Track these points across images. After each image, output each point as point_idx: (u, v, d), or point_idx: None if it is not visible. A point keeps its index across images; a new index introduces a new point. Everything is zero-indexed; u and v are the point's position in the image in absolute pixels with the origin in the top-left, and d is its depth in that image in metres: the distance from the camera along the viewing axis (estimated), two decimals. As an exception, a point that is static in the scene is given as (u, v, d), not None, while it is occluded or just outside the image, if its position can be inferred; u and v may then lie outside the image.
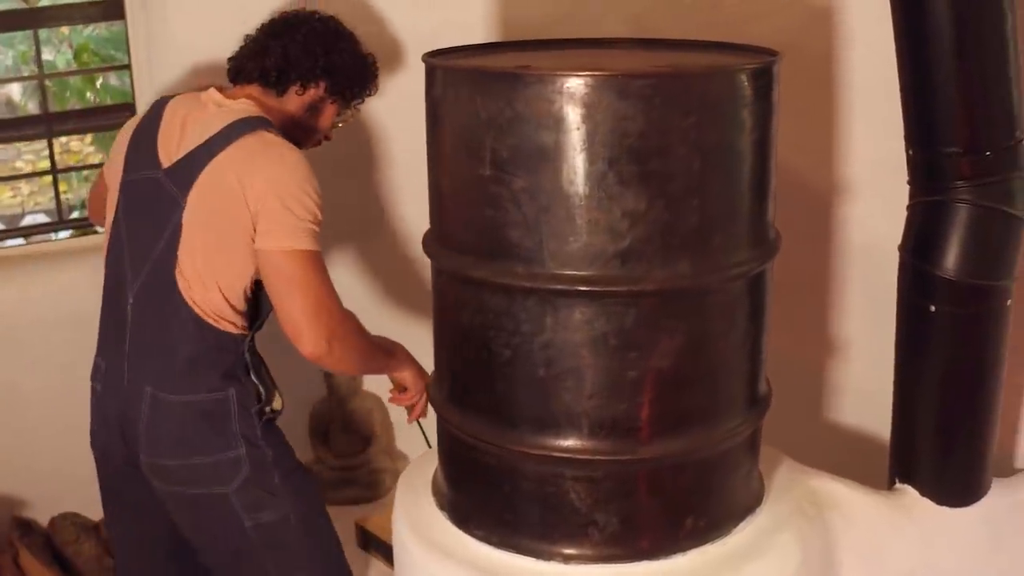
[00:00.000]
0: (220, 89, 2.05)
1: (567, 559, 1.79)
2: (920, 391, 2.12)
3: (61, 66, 4.35)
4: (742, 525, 1.89)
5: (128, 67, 2.89)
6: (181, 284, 1.90)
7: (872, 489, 2.15)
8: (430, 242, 1.90)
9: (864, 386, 2.65)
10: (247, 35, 2.14)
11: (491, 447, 1.81)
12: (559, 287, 1.66)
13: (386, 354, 2.05)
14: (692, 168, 1.62)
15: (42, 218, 4.32)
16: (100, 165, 4.63)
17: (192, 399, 1.92)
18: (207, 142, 1.90)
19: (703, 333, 1.73)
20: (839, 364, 2.70)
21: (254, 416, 1.96)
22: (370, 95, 2.21)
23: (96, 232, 3.01)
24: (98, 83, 4.59)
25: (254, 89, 2.07)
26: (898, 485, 2.20)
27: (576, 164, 1.60)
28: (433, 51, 1.93)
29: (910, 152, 2.00)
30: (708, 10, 2.49)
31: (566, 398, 1.72)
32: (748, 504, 1.93)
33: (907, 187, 2.10)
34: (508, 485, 1.82)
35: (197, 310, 1.90)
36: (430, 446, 2.15)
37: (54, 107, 3.79)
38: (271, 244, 1.85)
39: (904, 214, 2.12)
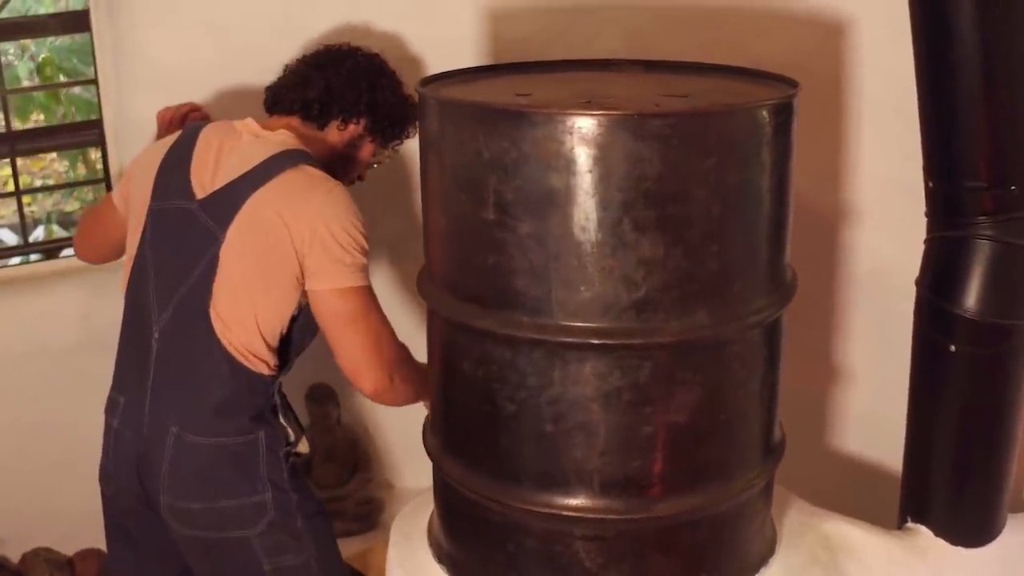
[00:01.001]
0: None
1: (576, 621, 1.69)
2: (936, 429, 2.04)
3: (23, 75, 4.19)
4: (756, 577, 1.81)
5: (95, 81, 2.76)
6: (216, 324, 1.82)
7: (885, 531, 2.07)
8: (425, 283, 1.79)
9: (869, 414, 2.57)
10: (287, 65, 2.09)
11: (494, 503, 1.71)
12: (569, 339, 1.55)
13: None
14: (711, 212, 1.52)
15: (6, 233, 4.17)
16: (69, 184, 4.50)
17: (220, 441, 1.86)
18: (247, 175, 1.83)
19: (721, 385, 1.63)
20: (844, 392, 2.62)
21: (281, 459, 1.91)
22: (408, 138, 2.15)
23: (64, 256, 2.87)
24: (63, 94, 4.44)
25: (293, 120, 2.02)
26: (910, 524, 2.12)
27: (588, 209, 1.49)
28: (426, 77, 1.82)
29: (930, 184, 1.91)
30: (708, 28, 2.38)
31: (575, 454, 1.61)
32: (762, 554, 1.85)
33: (915, 210, 2.01)
34: (512, 543, 1.72)
35: (232, 350, 1.83)
36: None
37: (17, 121, 3.65)
38: (324, 284, 1.81)
39: (912, 237, 2.03)
